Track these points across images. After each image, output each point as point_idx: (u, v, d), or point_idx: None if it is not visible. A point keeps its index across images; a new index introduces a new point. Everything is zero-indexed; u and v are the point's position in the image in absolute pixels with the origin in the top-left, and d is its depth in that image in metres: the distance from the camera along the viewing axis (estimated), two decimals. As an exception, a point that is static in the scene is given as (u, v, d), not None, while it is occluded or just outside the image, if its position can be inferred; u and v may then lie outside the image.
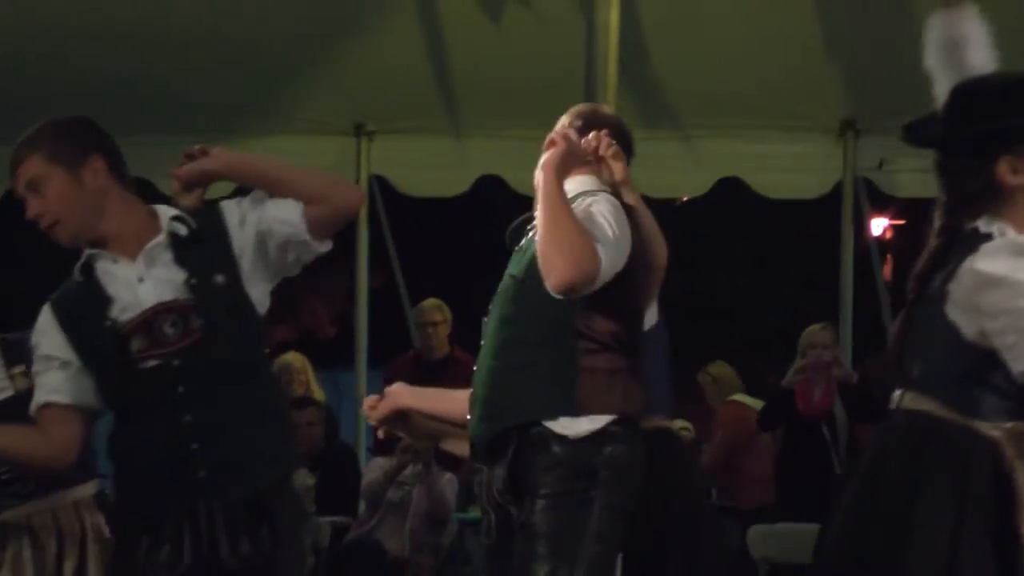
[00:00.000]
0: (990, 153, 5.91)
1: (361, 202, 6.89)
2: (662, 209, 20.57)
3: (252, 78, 15.10)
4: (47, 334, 6.35)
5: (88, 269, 6.35)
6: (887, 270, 20.55)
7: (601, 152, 7.63)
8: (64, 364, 6.28)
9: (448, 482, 14.33)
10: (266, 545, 6.29)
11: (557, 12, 14.99)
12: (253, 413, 6.34)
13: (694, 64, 15.95)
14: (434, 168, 16.86)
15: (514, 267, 7.39)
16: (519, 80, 15.86)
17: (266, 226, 6.39)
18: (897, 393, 6.14)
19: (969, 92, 6.06)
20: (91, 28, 14.85)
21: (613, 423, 7.14)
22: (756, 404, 16.55)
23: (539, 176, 7.27)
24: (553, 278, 6.90)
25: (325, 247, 6.61)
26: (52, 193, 6.34)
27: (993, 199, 5.92)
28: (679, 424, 15.83)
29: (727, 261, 31.92)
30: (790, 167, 16.95)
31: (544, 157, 7.41)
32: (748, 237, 30.02)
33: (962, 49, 6.29)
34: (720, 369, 17.29)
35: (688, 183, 17.71)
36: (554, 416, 7.13)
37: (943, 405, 5.92)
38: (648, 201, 17.12)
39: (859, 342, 17.28)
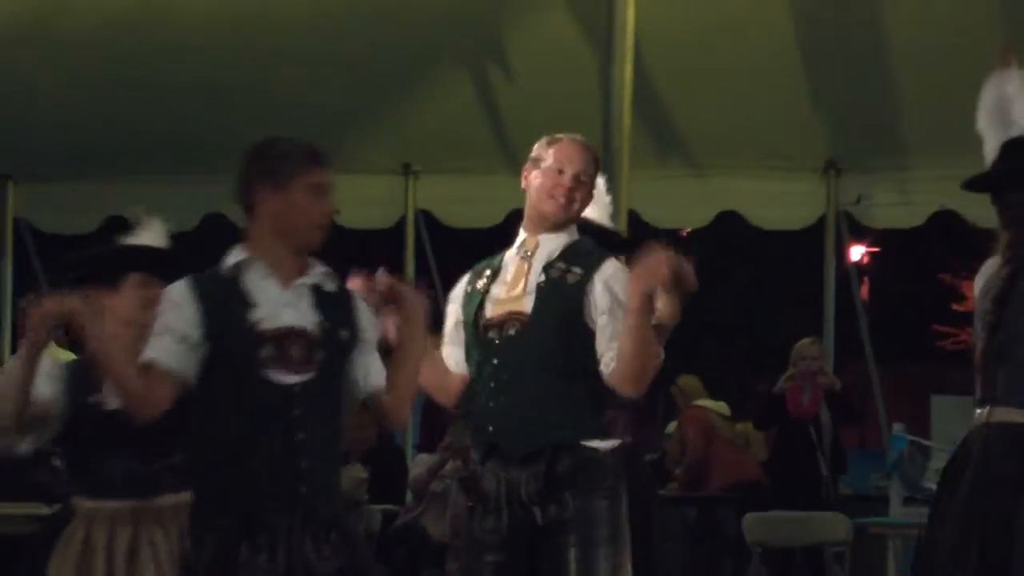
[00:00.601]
0: None
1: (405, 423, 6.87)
2: (669, 238, 20.54)
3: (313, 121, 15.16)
4: (179, 307, 6.20)
5: (239, 269, 6.27)
6: (864, 291, 20.54)
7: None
8: (183, 337, 6.15)
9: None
10: (344, 554, 6.22)
11: (580, 64, 15.05)
12: (337, 443, 6.34)
13: (697, 111, 16.05)
14: (473, 203, 16.93)
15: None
16: (545, 123, 15.82)
17: (365, 361, 6.43)
18: (983, 409, 6.18)
19: (1020, 144, 6.07)
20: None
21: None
22: (717, 406, 16.82)
23: (635, 300, 7.28)
24: (630, 388, 7.35)
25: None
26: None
27: None
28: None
29: (727, 283, 31.88)
30: (781, 201, 16.90)
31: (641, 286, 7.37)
32: (744, 263, 29.95)
33: (1010, 107, 6.16)
34: (687, 381, 17.34)
35: (692, 216, 17.71)
36: (590, 438, 7.41)
37: None
38: (657, 231, 17.27)
39: (839, 354, 17.21)
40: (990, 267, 6.39)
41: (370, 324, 6.46)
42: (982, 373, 6.14)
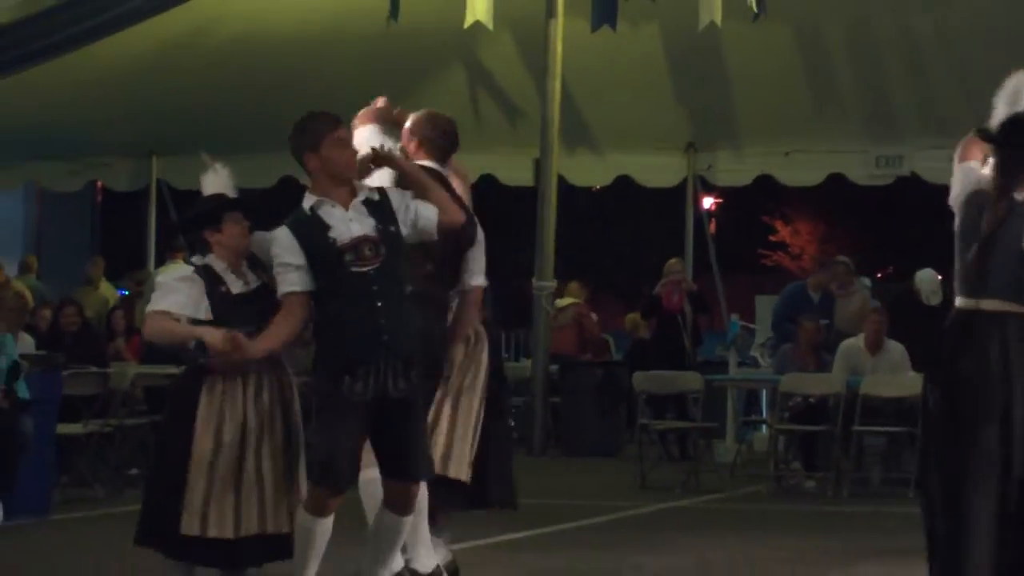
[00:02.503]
0: None
1: (461, 220, 6.37)
2: (586, 193, 20.38)
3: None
4: (288, 248, 6.08)
5: (315, 208, 6.10)
6: (712, 227, 20.61)
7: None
8: (299, 267, 6.05)
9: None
10: (413, 384, 6.07)
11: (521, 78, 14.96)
12: (405, 304, 6.15)
13: (602, 109, 16.09)
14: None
15: None
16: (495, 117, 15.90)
17: (415, 214, 6.18)
18: (971, 300, 5.45)
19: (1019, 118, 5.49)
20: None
21: None
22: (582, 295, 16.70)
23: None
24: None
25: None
26: None
27: None
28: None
29: (623, 225, 31.80)
30: (657, 169, 16.85)
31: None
32: (633, 211, 29.80)
33: (1021, 95, 5.48)
34: (572, 285, 16.89)
35: (599, 178, 17.69)
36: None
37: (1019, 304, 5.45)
38: (573, 188, 17.30)
39: (696, 269, 17.20)
40: (969, 180, 5.62)
41: (401, 198, 6.22)
42: (975, 271, 5.46)
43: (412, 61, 15.02)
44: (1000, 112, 5.49)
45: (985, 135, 5.33)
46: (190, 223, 7.03)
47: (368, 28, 14.48)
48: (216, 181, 6.69)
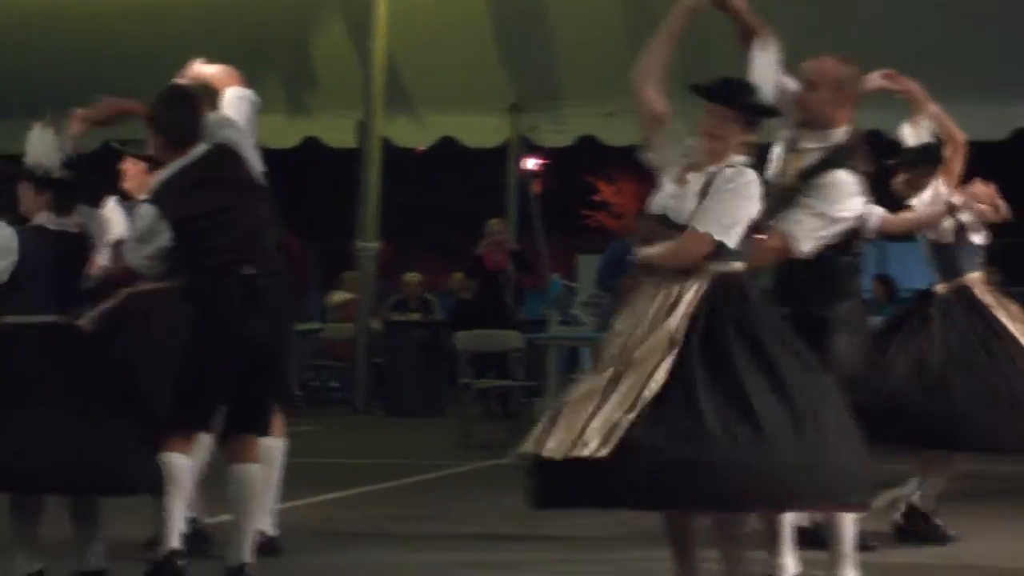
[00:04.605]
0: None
1: None
2: (410, 154, 20.19)
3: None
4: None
5: None
6: (536, 187, 20.75)
7: None
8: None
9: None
10: None
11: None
12: None
13: (426, 72, 16.01)
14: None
15: None
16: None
17: None
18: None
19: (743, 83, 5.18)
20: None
21: None
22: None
23: None
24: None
25: None
26: None
27: None
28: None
29: (450, 186, 31.81)
30: (481, 129, 16.78)
31: None
32: (458, 171, 29.85)
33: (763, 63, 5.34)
34: (347, 275, 16.89)
35: (424, 139, 17.62)
36: None
37: None
38: (397, 149, 17.28)
39: (520, 228, 17.25)
40: None
41: None
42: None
43: (236, 27, 14.83)
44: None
45: (698, 90, 5.22)
46: None
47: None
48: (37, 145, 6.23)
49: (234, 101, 6.14)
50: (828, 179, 5.51)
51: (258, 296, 5.82)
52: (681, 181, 5.12)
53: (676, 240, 5.05)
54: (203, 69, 6.27)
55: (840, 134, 5.64)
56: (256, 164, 6.06)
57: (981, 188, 7.39)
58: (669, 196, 5.13)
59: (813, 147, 5.62)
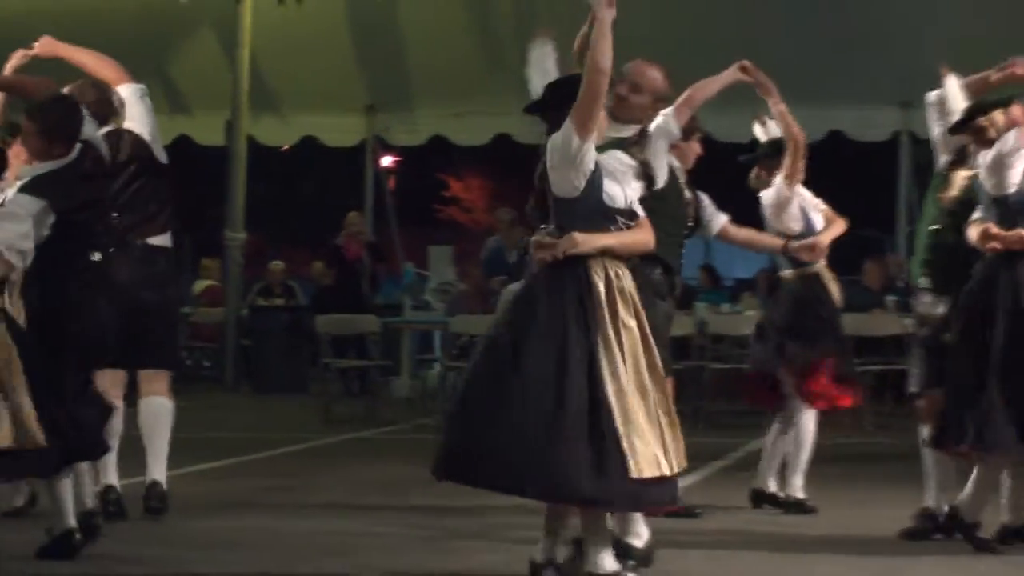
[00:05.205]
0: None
1: None
2: (275, 152, 19.53)
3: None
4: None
5: None
6: (391, 184, 20.96)
7: None
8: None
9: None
10: None
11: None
12: None
13: (290, 76, 16.22)
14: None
15: None
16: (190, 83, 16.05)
17: None
18: None
19: (560, 84, 5.42)
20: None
21: None
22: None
23: None
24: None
25: None
26: None
27: None
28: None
29: (309, 181, 31.34)
30: (340, 129, 17.01)
31: None
32: (317, 169, 29.63)
33: (546, 63, 5.49)
34: (208, 263, 17.36)
35: (284, 139, 17.65)
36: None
37: None
38: (263, 147, 17.13)
39: (376, 221, 17.45)
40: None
41: None
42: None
43: (111, 32, 14.65)
44: (536, 84, 5.56)
45: (532, 109, 5.42)
46: None
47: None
48: None
49: (135, 98, 6.80)
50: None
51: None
52: None
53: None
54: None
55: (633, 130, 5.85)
56: (160, 153, 6.77)
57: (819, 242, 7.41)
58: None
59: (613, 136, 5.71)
